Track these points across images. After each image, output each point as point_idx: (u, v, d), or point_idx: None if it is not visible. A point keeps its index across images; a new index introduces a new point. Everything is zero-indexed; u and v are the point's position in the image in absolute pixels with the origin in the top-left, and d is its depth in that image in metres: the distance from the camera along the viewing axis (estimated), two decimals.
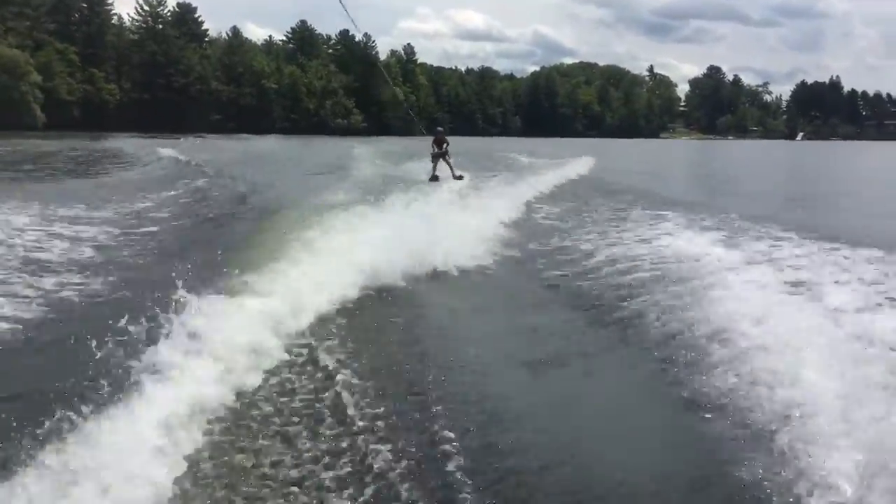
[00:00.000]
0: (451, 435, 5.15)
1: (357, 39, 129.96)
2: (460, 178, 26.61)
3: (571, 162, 39.94)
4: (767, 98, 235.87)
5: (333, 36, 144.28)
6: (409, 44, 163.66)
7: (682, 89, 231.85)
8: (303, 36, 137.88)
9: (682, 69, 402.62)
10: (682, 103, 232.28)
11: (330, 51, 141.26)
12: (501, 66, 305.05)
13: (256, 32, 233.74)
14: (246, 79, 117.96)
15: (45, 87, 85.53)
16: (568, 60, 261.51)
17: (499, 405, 5.87)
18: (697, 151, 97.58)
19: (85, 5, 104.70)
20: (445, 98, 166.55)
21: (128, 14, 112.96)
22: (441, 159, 27.19)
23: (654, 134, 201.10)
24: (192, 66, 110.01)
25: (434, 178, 26.51)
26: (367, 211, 13.81)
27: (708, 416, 5.66)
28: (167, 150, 39.54)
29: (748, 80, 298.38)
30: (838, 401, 5.49)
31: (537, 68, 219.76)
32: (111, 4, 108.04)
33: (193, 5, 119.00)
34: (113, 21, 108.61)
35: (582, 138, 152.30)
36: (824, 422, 5.24)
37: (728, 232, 14.21)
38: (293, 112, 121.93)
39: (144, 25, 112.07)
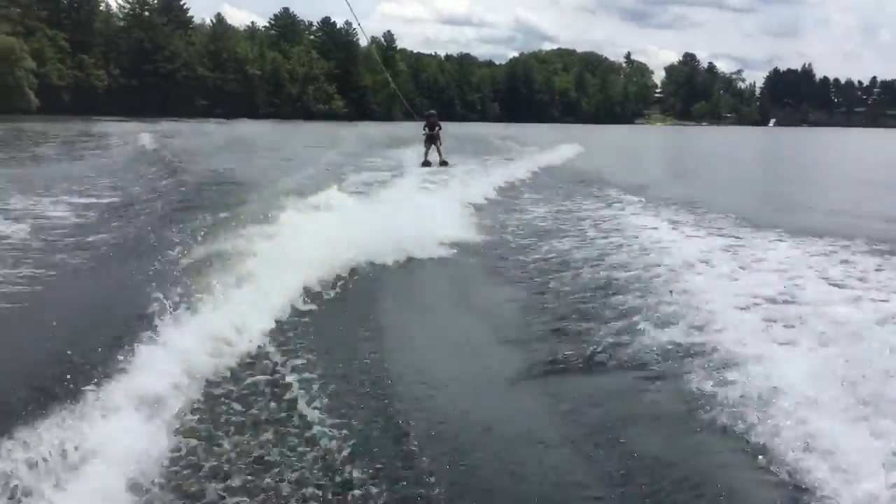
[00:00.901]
0: (415, 443, 5.04)
1: (365, 45, 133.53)
2: (445, 164, 26.67)
3: (537, 149, 40.07)
4: (741, 85, 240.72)
5: (315, 23, 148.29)
6: (388, 31, 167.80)
7: (660, 76, 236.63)
8: (285, 23, 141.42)
9: (662, 55, 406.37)
10: (658, 90, 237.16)
11: (312, 37, 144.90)
12: (482, 52, 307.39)
13: (236, 16, 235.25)
14: (230, 65, 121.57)
15: (37, 73, 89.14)
16: (548, 46, 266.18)
17: (458, 411, 5.67)
18: (659, 137, 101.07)
19: None
20: (425, 84, 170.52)
21: (115, 1, 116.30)
22: (433, 144, 27.11)
23: (629, 120, 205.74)
24: (177, 52, 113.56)
25: (426, 164, 26.70)
26: (338, 197, 13.88)
27: (688, 426, 5.43)
28: (145, 135, 38.50)
29: (727, 66, 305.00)
30: (808, 385, 5.70)
31: (517, 54, 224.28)
32: None
33: None
34: (101, 8, 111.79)
35: (558, 124, 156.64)
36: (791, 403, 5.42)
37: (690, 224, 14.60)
38: (276, 97, 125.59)
39: (132, 13, 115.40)
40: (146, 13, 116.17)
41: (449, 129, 30.41)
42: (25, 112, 78.85)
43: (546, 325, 7.80)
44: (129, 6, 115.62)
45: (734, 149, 68.00)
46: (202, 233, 10.55)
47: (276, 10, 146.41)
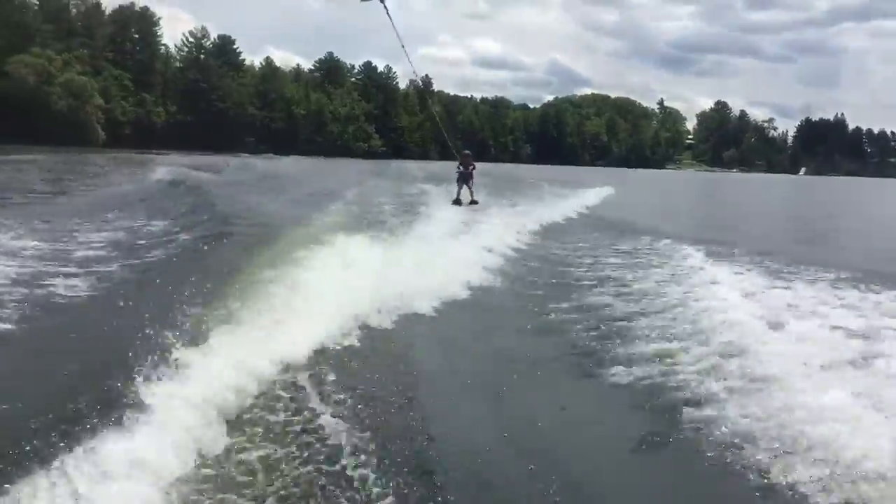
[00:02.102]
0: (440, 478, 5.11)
1: (415, 84, 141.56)
2: (475, 203, 26.49)
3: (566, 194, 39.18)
4: (773, 133, 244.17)
5: (357, 66, 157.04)
6: (427, 74, 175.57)
7: (694, 122, 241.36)
8: (329, 66, 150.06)
9: (698, 102, 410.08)
10: (690, 136, 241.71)
11: (353, 80, 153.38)
12: (518, 94, 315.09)
13: (278, 55, 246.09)
14: (277, 104, 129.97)
15: (104, 109, 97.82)
16: (584, 90, 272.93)
17: (487, 458, 5.59)
18: (689, 183, 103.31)
19: (137, 36, 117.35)
20: (460, 125, 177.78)
21: (174, 44, 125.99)
22: (465, 183, 27.13)
23: (660, 165, 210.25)
24: (229, 92, 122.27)
25: (457, 202, 26.58)
26: (365, 238, 13.84)
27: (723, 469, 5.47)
28: (199, 173, 37.02)
29: (762, 114, 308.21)
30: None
31: (552, 97, 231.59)
32: (160, 36, 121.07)
33: (232, 37, 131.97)
34: (161, 50, 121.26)
35: (589, 167, 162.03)
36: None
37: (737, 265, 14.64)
38: (319, 135, 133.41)
39: (189, 55, 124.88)
40: (202, 55, 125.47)
41: (482, 168, 30.67)
42: (94, 145, 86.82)
43: (575, 374, 7.80)
44: (186, 49, 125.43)
45: (774, 197, 69.18)
46: (224, 270, 10.31)
47: (314, 50, 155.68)
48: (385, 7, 14.93)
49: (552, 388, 7.48)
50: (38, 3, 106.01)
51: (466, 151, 28.97)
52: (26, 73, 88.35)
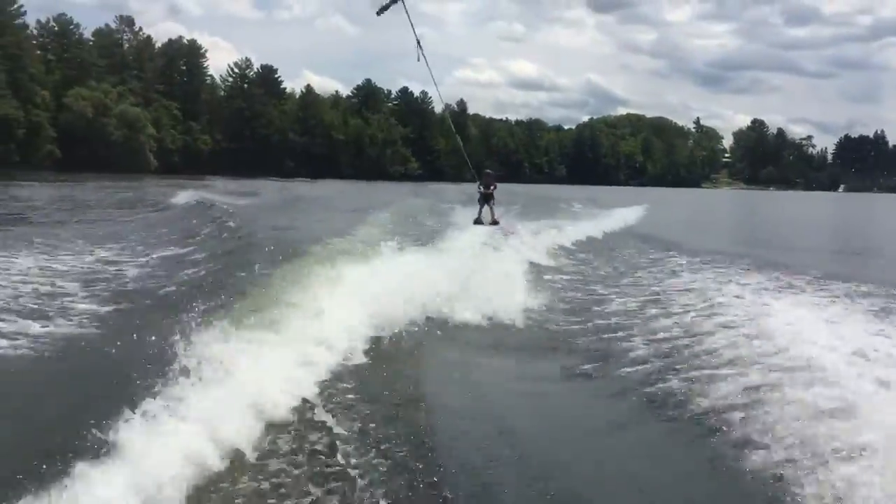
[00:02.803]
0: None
1: (440, 111, 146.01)
2: (496, 223, 26.19)
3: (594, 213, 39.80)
4: (811, 150, 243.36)
5: (394, 92, 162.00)
6: (462, 99, 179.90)
7: (731, 140, 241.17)
8: (367, 92, 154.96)
9: (737, 119, 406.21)
10: (727, 155, 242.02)
11: (390, 105, 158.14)
12: (554, 115, 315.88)
13: (315, 80, 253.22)
14: (317, 130, 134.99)
15: (156, 138, 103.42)
16: (620, 110, 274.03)
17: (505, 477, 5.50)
18: (725, 202, 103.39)
19: (185, 68, 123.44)
20: (495, 147, 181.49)
21: (220, 75, 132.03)
22: (486, 203, 26.92)
23: (696, 184, 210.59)
24: (272, 119, 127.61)
25: (478, 221, 26.43)
26: (389, 253, 13.64)
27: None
28: (243, 199, 37.41)
29: (803, 130, 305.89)
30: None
31: (589, 118, 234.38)
32: (206, 67, 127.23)
33: (274, 67, 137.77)
34: (207, 81, 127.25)
35: (623, 186, 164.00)
36: None
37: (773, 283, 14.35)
38: (357, 159, 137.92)
39: (233, 85, 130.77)
40: (245, 85, 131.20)
41: (515, 189, 30.43)
42: (147, 171, 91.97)
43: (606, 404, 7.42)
44: (231, 79, 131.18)
45: (820, 214, 68.12)
46: (251, 285, 10.38)
47: (352, 73, 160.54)
48: (410, 22, 14.94)
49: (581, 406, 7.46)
50: (93, 39, 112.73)
51: (488, 171, 28.86)
52: (84, 106, 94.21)
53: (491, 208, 26.70)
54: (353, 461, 5.48)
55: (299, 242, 14.95)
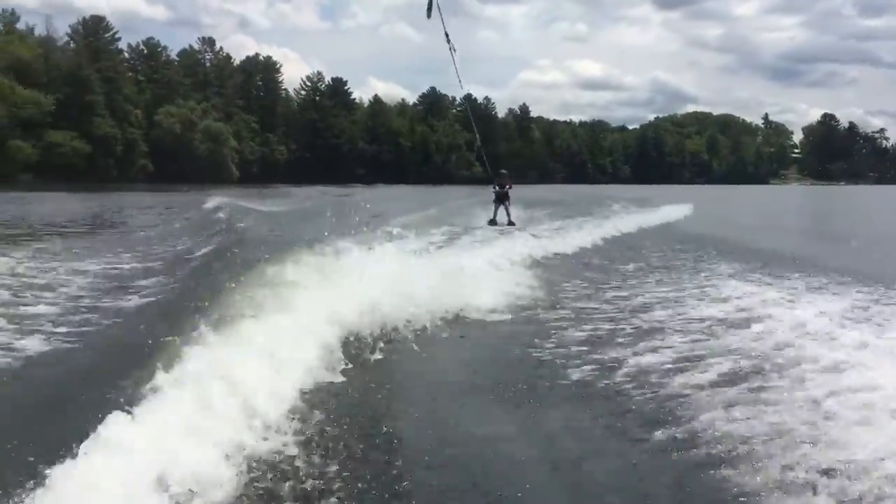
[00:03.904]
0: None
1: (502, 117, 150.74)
2: (513, 224, 26.38)
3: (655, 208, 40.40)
4: (885, 143, 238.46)
5: (458, 98, 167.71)
6: (524, 103, 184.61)
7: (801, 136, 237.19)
8: (432, 100, 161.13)
9: (811, 114, 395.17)
10: (796, 150, 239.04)
11: (454, 111, 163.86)
12: (621, 115, 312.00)
13: (380, 86, 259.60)
14: (385, 138, 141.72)
15: (237, 150, 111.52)
16: (689, 107, 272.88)
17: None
18: (775, 196, 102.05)
19: (261, 83, 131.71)
20: (558, 149, 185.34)
21: (294, 89, 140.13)
22: (502, 204, 27.04)
23: (763, 181, 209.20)
24: (343, 129, 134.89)
25: (493, 222, 26.61)
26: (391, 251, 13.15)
27: None
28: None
29: (881, 123, 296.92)
30: None
31: (655, 116, 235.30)
32: (281, 81, 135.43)
33: (344, 79, 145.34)
34: (282, 95, 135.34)
35: (686, 185, 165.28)
36: None
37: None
38: (424, 165, 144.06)
39: (307, 97, 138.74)
40: (317, 97, 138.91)
41: (568, 189, 31.24)
42: (229, 182, 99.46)
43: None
44: (304, 92, 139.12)
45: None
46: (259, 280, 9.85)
47: (417, 79, 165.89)
48: (441, 18, 16.24)
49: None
50: (178, 59, 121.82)
51: (503, 171, 29.02)
52: (172, 122, 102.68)
53: (507, 209, 27.03)
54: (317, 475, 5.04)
55: (286, 245, 14.00)
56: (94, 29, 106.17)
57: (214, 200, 30.47)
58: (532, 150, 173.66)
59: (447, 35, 16.62)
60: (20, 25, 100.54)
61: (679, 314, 10.77)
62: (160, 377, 5.69)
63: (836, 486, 4.81)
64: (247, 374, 6.04)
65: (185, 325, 7.51)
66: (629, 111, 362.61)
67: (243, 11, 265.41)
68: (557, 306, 11.77)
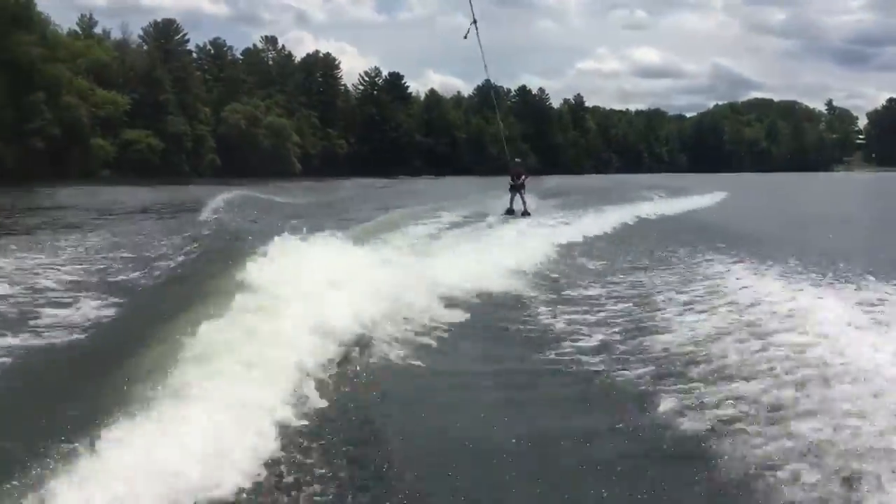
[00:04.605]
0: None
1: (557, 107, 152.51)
2: (528, 214, 26.46)
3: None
4: None
5: (513, 90, 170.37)
6: (578, 94, 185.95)
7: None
8: (487, 92, 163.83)
9: (880, 98, 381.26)
10: (861, 136, 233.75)
11: (509, 103, 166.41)
12: (680, 102, 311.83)
13: (437, 78, 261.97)
14: (441, 130, 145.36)
15: (298, 144, 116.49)
16: (751, 94, 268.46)
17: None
18: (828, 183, 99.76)
19: (321, 79, 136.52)
20: (614, 139, 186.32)
21: (352, 84, 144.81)
22: (517, 193, 27.07)
23: (826, 168, 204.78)
24: (400, 122, 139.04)
25: (509, 212, 26.64)
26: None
27: None
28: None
29: None
30: None
31: (714, 104, 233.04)
32: (340, 77, 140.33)
33: (401, 74, 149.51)
34: (342, 90, 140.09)
35: (743, 173, 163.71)
36: None
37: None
38: (479, 156, 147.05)
39: (365, 92, 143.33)
40: (375, 92, 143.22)
41: (618, 178, 31.66)
42: (292, 175, 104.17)
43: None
44: (362, 87, 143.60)
45: None
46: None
47: (469, 70, 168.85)
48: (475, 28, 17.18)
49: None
50: (242, 58, 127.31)
51: (518, 159, 29.54)
52: (238, 119, 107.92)
53: (522, 199, 27.10)
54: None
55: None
56: (165, 31, 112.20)
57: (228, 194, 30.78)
58: (587, 140, 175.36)
59: (474, 21, 19.45)
60: (97, 30, 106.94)
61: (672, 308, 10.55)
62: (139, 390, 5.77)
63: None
64: (239, 377, 6.01)
65: (167, 331, 7.56)
66: (689, 99, 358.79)
67: (302, 6, 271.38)
68: (561, 296, 11.84)
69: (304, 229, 12.32)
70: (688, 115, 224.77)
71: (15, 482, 4.43)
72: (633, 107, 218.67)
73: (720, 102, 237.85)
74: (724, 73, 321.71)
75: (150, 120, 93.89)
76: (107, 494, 4.27)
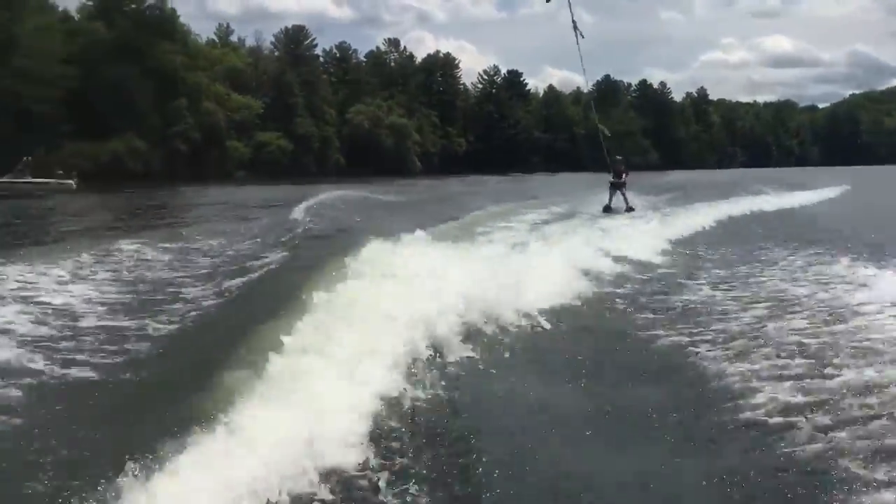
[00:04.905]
0: None
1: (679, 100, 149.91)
2: (632, 209, 26.21)
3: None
4: None
5: (633, 84, 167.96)
6: (702, 87, 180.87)
7: None
8: (606, 87, 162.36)
9: None
10: None
11: (630, 98, 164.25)
12: (814, 92, 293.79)
13: (555, 73, 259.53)
14: (560, 126, 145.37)
15: (419, 143, 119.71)
16: (893, 82, 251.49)
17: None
18: None
19: (440, 79, 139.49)
20: (739, 131, 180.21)
21: (471, 82, 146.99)
22: (618, 190, 26.96)
23: None
24: (518, 119, 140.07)
25: (608, 209, 26.45)
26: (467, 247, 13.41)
27: None
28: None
29: None
30: None
31: (851, 93, 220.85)
32: (459, 77, 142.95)
33: (519, 71, 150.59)
34: (461, 89, 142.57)
35: (883, 166, 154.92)
36: None
37: None
38: (598, 152, 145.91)
39: (484, 90, 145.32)
40: (494, 90, 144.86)
41: (738, 173, 29.40)
42: (412, 174, 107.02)
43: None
44: (482, 85, 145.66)
45: None
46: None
47: (589, 65, 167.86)
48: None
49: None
50: (365, 60, 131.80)
51: (618, 157, 29.13)
52: (362, 120, 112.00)
53: (624, 195, 27.00)
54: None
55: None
56: (294, 37, 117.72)
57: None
58: (710, 134, 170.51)
59: (574, 23, 19.18)
60: (233, 38, 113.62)
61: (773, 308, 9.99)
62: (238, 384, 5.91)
63: None
64: (323, 382, 5.97)
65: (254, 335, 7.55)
66: (823, 88, 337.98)
67: (423, 7, 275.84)
68: (666, 298, 11.22)
69: (405, 227, 12.64)
70: (821, 105, 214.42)
71: (130, 474, 4.43)
72: (761, 98, 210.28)
73: (857, 91, 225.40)
74: (863, 60, 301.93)
75: (281, 122, 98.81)
76: (216, 482, 4.41)
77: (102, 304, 10.47)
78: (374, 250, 10.82)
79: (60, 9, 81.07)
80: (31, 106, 64.93)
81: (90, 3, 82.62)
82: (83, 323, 9.34)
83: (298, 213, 23.53)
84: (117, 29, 78.45)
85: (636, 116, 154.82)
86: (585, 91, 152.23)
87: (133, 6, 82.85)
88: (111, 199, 42.16)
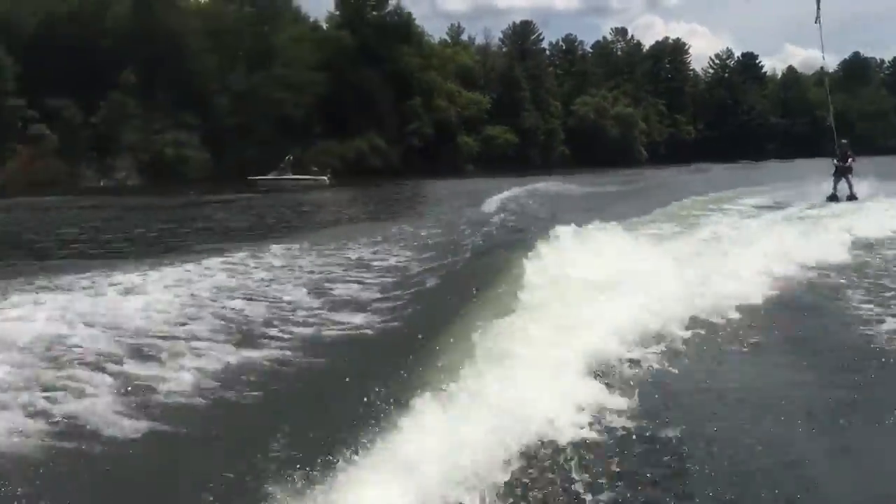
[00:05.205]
0: None
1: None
2: (855, 198, 24.70)
3: None
4: None
5: (886, 61, 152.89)
6: None
7: None
8: (854, 65, 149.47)
9: None
10: None
11: (882, 75, 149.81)
12: None
13: (796, 52, 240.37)
14: (800, 110, 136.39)
15: (645, 133, 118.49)
16: None
17: None
18: None
19: (669, 66, 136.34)
20: None
21: (702, 68, 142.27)
22: (843, 176, 25.46)
23: None
24: (753, 104, 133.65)
25: (832, 198, 24.96)
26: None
27: None
28: None
29: None
30: None
31: None
32: (689, 63, 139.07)
33: (755, 53, 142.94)
34: (690, 75, 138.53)
35: None
36: None
37: None
38: (845, 136, 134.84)
39: (715, 76, 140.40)
40: (726, 74, 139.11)
41: None
42: (638, 164, 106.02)
43: None
44: (713, 70, 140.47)
45: None
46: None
47: (835, 41, 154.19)
48: None
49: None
50: (591, 51, 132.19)
51: (843, 140, 27.10)
52: (587, 111, 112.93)
53: (849, 182, 25.53)
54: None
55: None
56: (522, 32, 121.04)
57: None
58: None
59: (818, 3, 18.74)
60: (463, 37, 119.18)
61: None
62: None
63: None
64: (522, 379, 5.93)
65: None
66: None
67: None
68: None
69: (597, 221, 13.02)
70: None
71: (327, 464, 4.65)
72: None
73: None
74: None
75: (508, 117, 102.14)
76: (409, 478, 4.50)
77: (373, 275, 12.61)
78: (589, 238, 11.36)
79: (311, 20, 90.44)
80: (290, 111, 73.51)
81: (336, 12, 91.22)
82: (336, 293, 11.12)
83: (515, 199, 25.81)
84: (360, 36, 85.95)
85: (888, 95, 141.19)
86: (823, 70, 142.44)
87: (374, 13, 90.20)
88: (363, 192, 47.72)
